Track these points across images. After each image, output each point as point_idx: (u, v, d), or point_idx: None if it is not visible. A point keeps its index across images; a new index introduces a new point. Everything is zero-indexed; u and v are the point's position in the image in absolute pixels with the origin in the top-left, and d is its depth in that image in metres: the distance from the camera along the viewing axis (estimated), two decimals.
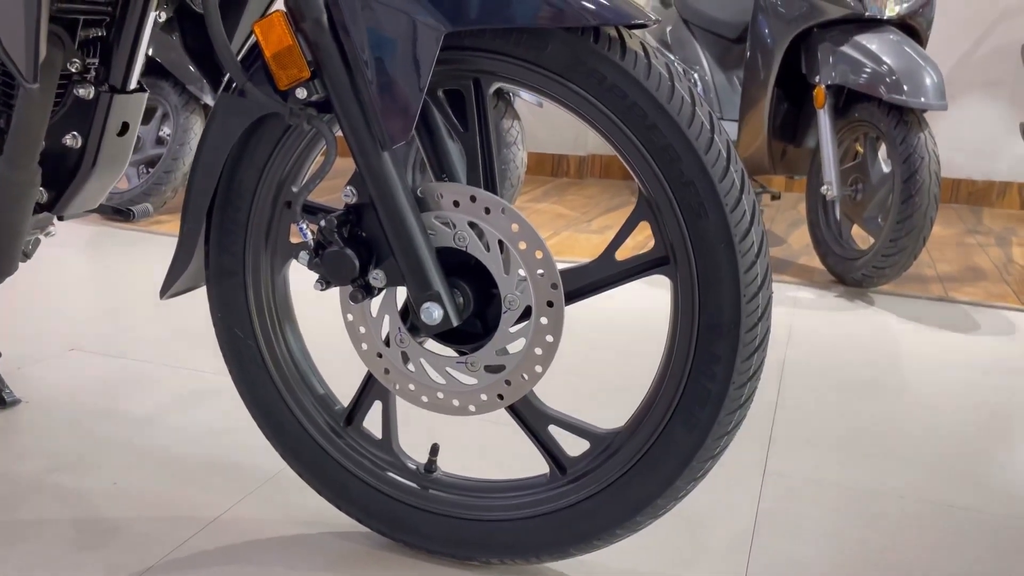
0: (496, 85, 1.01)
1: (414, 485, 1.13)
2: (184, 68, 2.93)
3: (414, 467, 1.14)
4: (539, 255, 0.97)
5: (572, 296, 1.01)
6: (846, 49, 2.41)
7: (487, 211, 0.97)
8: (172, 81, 2.99)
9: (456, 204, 0.98)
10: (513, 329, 1.00)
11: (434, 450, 1.14)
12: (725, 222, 0.92)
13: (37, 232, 1.33)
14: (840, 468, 1.46)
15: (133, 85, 1.18)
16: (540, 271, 0.97)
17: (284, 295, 1.17)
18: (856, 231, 2.62)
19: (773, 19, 2.59)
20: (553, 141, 4.50)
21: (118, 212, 1.49)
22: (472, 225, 0.98)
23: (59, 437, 1.46)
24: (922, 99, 2.24)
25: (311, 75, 0.95)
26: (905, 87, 2.24)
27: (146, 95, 1.21)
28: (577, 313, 1.00)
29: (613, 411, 1.31)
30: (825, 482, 1.41)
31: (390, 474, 1.14)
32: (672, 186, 0.93)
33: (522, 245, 0.97)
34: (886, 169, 2.44)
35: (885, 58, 2.31)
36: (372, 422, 1.15)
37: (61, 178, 1.17)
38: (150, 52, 3.07)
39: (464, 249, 0.99)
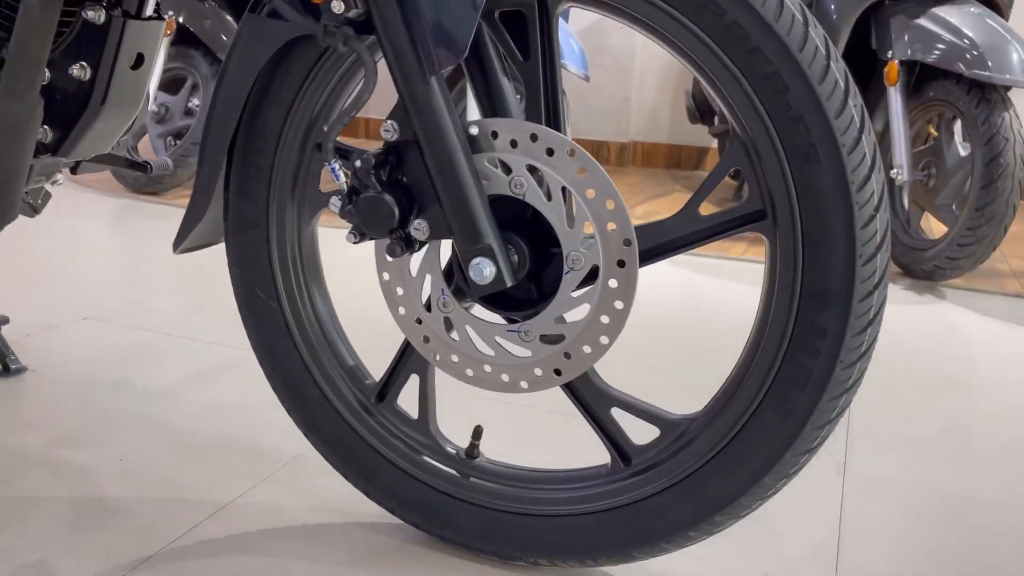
0: (566, 5, 0.86)
1: (453, 472, 0.99)
2: (216, 36, 2.81)
3: (453, 451, 1.00)
4: (611, 205, 0.82)
5: (647, 256, 0.86)
6: (923, 22, 2.23)
7: (550, 152, 0.83)
8: (203, 50, 2.88)
9: (513, 144, 0.84)
10: (576, 293, 0.85)
11: (477, 433, 0.99)
12: (841, 167, 0.76)
13: (43, 180, 1.21)
14: (929, 472, 1.29)
15: (150, 11, 1.05)
16: (611, 225, 0.82)
17: (312, 251, 1.03)
18: (924, 220, 2.44)
19: None
20: (593, 127, 4.34)
21: (134, 164, 1.36)
22: (532, 170, 0.84)
23: (65, 409, 1.34)
24: (1007, 75, 2.05)
25: None
26: (989, 62, 2.06)
27: (163, 24, 1.08)
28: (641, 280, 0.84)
29: (681, 396, 1.16)
30: (914, 487, 1.24)
31: (426, 458, 1.00)
32: (776, 123, 0.77)
33: (590, 193, 0.83)
34: (963, 152, 2.25)
35: (967, 31, 2.13)
36: (407, 399, 1.01)
37: (67, 115, 1.04)
38: (180, 20, 2.94)
39: (521, 198, 0.85)
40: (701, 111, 3.55)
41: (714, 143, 4.09)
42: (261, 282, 1.01)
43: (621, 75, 4.21)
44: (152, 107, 2.83)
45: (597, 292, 0.84)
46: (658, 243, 0.86)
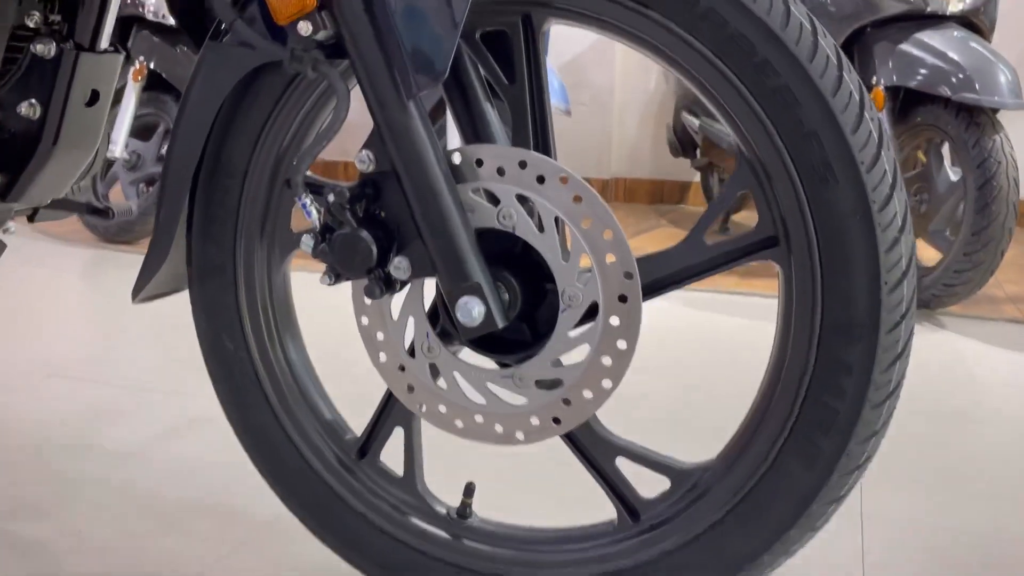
0: (552, 22, 0.80)
1: (444, 534, 0.90)
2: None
3: (444, 511, 0.92)
4: (608, 236, 0.75)
5: (650, 290, 0.78)
6: (907, 47, 2.20)
7: (540, 180, 0.76)
8: (175, 95, 2.81)
9: (500, 172, 0.77)
10: (574, 333, 0.78)
11: (469, 490, 0.91)
12: (860, 185, 0.70)
13: None
14: (949, 510, 1.22)
15: (105, 44, 0.98)
16: (610, 257, 0.75)
17: (284, 296, 0.95)
18: (918, 248, 2.39)
19: (822, 19, 2.37)
20: (574, 164, 4.29)
21: (96, 210, 1.28)
22: (521, 199, 0.77)
23: (20, 476, 1.24)
24: (996, 98, 2.02)
25: (317, 5, 0.74)
26: (977, 84, 2.03)
27: (121, 58, 1.01)
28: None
29: (691, 443, 1.08)
30: (936, 527, 1.17)
31: (414, 520, 0.91)
32: (787, 141, 0.71)
33: (586, 223, 0.75)
34: (954, 177, 2.21)
35: (952, 55, 2.10)
36: (391, 455, 0.93)
37: (16, 157, 0.97)
38: (152, 65, 2.88)
39: (511, 230, 0.77)
40: (683, 144, 3.52)
41: (696, 176, 4.06)
42: (228, 330, 0.93)
43: (601, 111, 4.19)
44: (123, 154, 2.75)
45: (597, 331, 0.77)
46: (662, 275, 0.78)
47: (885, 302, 0.71)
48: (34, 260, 2.67)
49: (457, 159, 0.78)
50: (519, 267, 0.80)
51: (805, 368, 0.74)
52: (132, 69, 2.84)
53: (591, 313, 0.77)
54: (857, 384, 0.72)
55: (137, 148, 2.85)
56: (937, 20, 2.25)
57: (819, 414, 0.74)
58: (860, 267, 0.71)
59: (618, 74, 4.14)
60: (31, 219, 1.23)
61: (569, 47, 4.10)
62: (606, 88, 4.16)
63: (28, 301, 2.22)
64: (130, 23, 2.87)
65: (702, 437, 1.35)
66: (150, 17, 2.79)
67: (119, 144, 2.75)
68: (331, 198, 0.77)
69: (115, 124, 2.82)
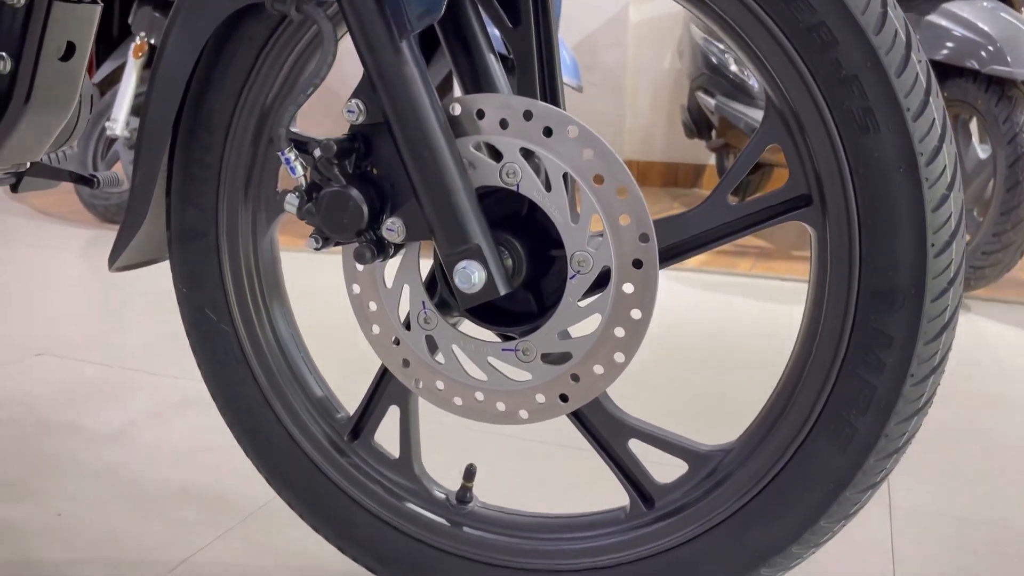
0: None
1: (442, 521, 0.84)
2: None
3: (442, 496, 0.85)
4: (623, 195, 0.68)
5: (668, 255, 0.71)
6: (934, 18, 2.11)
7: (548, 132, 0.68)
8: None
9: (503, 124, 0.70)
10: (583, 303, 0.71)
11: (469, 473, 0.84)
12: (906, 135, 0.62)
13: None
14: (982, 502, 1.14)
15: None
16: (624, 218, 0.68)
17: (271, 263, 0.88)
18: None
19: None
20: None
21: (80, 179, 1.22)
22: (526, 154, 0.70)
23: (3, 457, 1.18)
24: None
25: None
26: (1008, 56, 1.93)
27: (99, 8, 0.94)
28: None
29: (709, 424, 1.01)
30: (969, 520, 1.09)
31: (410, 505, 0.85)
32: (823, 85, 0.63)
33: (598, 181, 0.68)
34: (982, 155, 2.12)
35: (982, 25, 2.01)
36: (386, 435, 0.86)
37: None
38: (153, 41, 2.82)
39: (515, 188, 0.70)
40: (698, 125, 3.43)
41: (712, 159, 3.98)
42: (211, 301, 0.86)
43: (613, 93, 4.10)
44: (125, 132, 2.69)
45: (609, 300, 0.69)
46: (681, 238, 0.71)
47: (931, 266, 0.63)
48: (30, 239, 2.62)
49: (456, 110, 0.70)
50: (524, 229, 0.73)
51: (840, 340, 0.67)
52: (133, 45, 2.77)
53: (602, 280, 0.70)
54: (898, 357, 0.65)
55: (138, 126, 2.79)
56: None
57: (854, 390, 0.67)
58: (904, 227, 0.63)
59: (631, 54, 4.05)
60: (14, 188, 1.17)
61: (580, 27, 4.01)
62: (618, 69, 4.07)
63: (22, 279, 2.17)
64: None
65: (722, 417, 1.29)
66: None
67: (120, 122, 2.68)
68: (317, 152, 0.70)
69: (116, 101, 2.76)
